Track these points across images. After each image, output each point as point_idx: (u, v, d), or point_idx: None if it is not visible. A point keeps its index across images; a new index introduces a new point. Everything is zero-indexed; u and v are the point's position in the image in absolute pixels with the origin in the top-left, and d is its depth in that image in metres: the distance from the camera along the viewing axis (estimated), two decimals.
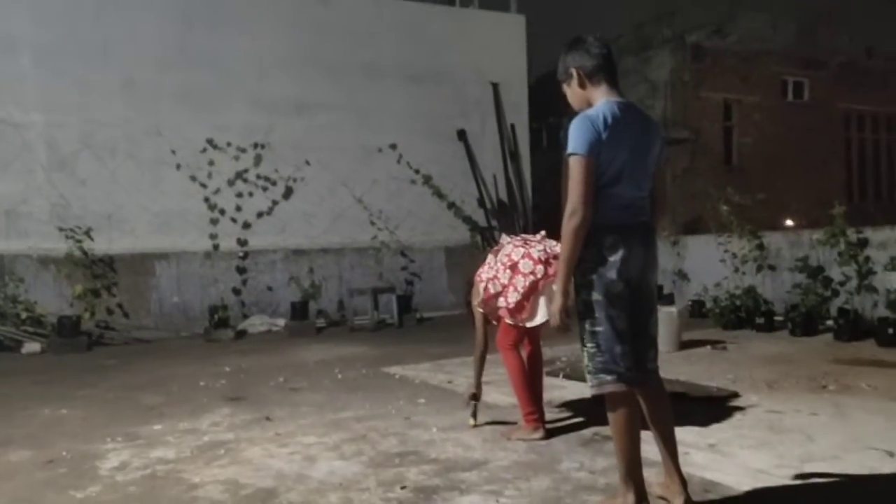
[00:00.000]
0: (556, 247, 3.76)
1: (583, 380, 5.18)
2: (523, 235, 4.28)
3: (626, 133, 2.64)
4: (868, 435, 3.73)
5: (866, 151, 17.80)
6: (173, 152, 9.95)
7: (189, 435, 4.26)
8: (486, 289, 3.97)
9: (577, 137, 2.58)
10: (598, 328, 2.65)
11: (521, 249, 3.94)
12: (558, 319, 2.67)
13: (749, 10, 17.11)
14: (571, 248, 2.58)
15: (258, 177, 10.53)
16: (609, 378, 2.64)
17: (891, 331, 6.66)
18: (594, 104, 2.71)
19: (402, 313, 9.93)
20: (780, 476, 3.15)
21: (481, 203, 12.12)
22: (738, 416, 4.23)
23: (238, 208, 10.38)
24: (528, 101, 12.83)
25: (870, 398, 4.56)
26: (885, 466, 3.24)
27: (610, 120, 2.60)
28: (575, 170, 2.57)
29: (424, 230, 11.51)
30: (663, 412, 2.79)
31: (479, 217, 12.08)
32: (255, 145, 10.50)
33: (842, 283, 7.77)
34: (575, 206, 2.55)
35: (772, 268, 9.12)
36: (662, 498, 2.89)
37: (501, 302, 3.88)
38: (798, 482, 3.08)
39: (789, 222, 10.17)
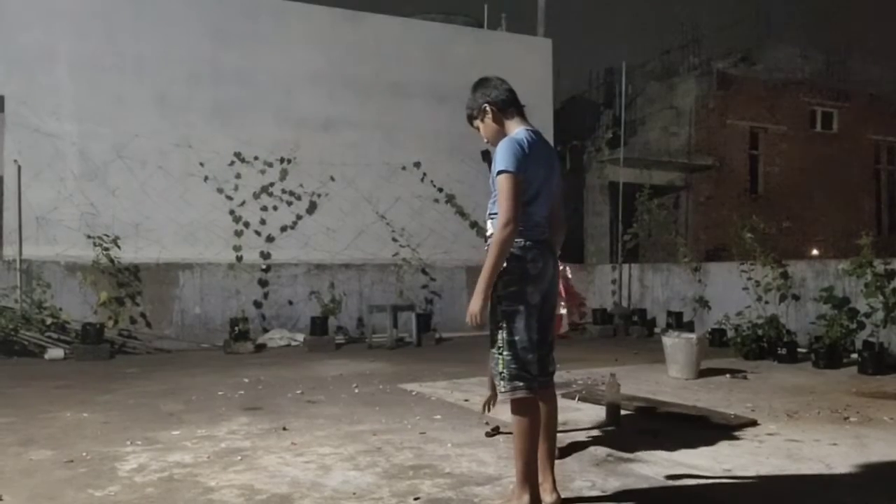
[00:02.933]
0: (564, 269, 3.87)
1: (599, 402, 5.19)
2: None
3: (542, 157, 2.96)
4: (889, 466, 3.67)
5: (895, 183, 17.58)
6: (202, 165, 10.14)
7: (206, 441, 4.31)
8: None
9: (506, 157, 2.84)
10: (516, 337, 2.88)
11: None
12: (477, 318, 2.82)
13: (777, 39, 17.10)
14: (499, 255, 2.80)
15: (283, 191, 10.67)
16: (521, 384, 2.88)
17: None
18: (511, 133, 3.01)
19: (420, 332, 9.95)
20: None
21: None
22: (755, 443, 4.18)
23: (262, 221, 10.52)
24: (552, 123, 12.88)
25: (892, 430, 4.48)
26: None
27: (530, 144, 2.91)
28: (506, 186, 2.81)
29: (446, 249, 11.56)
30: (554, 413, 3.13)
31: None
32: (282, 160, 10.66)
33: (868, 315, 7.65)
34: (508, 219, 2.78)
35: (796, 297, 9.02)
36: None
37: None
38: None
39: (815, 252, 10.05)
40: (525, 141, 2.91)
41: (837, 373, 7.15)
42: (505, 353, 2.89)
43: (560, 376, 6.80)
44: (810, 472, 3.58)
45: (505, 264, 2.84)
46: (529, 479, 2.88)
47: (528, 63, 12.60)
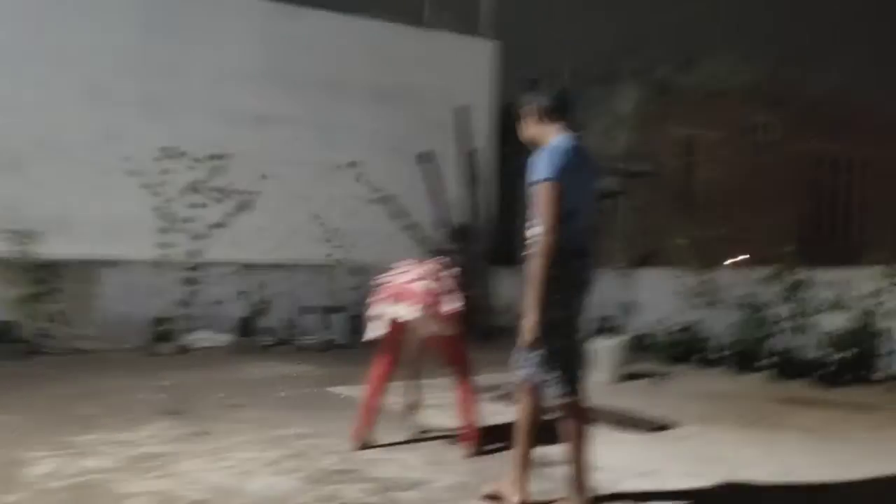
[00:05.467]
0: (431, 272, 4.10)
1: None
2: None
3: (583, 167, 2.98)
4: (794, 469, 3.86)
5: (825, 193, 18.29)
6: (127, 159, 9.77)
7: (123, 446, 4.17)
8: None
9: (547, 165, 2.86)
10: (561, 344, 2.91)
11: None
12: (531, 336, 2.84)
13: (717, 47, 17.65)
14: (546, 265, 2.81)
15: (213, 188, 10.39)
16: (567, 389, 2.95)
17: (823, 371, 6.88)
18: (547, 139, 3.00)
19: (352, 333, 9.86)
20: None
21: (441, 226, 12.18)
22: (669, 447, 4.33)
23: (191, 219, 10.21)
24: (495, 126, 12.99)
25: (799, 436, 4.71)
26: (811, 500, 3.35)
27: (572, 153, 2.93)
28: (545, 194, 2.84)
29: (381, 250, 11.37)
30: (584, 425, 3.10)
31: (438, 239, 12.12)
32: (213, 156, 10.36)
33: (782, 322, 7.99)
34: (550, 226, 2.81)
35: (719, 303, 9.32)
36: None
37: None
38: None
39: (741, 259, 10.44)
40: (567, 149, 2.93)
41: (752, 377, 7.45)
42: (549, 362, 2.91)
43: (490, 379, 6.90)
44: (720, 475, 3.72)
45: (552, 272, 2.82)
46: (524, 475, 3.08)
47: (471, 65, 12.66)
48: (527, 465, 3.11)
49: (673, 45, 16.63)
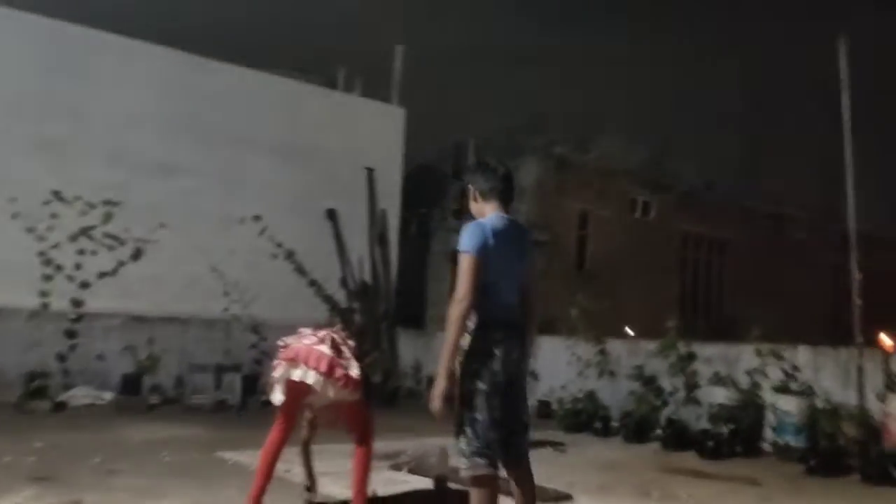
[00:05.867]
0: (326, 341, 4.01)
1: (428, 475, 5.15)
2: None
3: (508, 244, 3.11)
4: None
5: (700, 271, 19.57)
6: (12, 201, 9.16)
7: None
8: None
9: (468, 238, 3.04)
10: (478, 415, 2.96)
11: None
12: (438, 403, 2.91)
13: (608, 132, 18.76)
14: (456, 331, 2.92)
15: (106, 235, 9.88)
16: (482, 462, 2.95)
17: (711, 443, 7.14)
18: (484, 216, 3.21)
19: (245, 394, 9.42)
20: None
21: (344, 284, 12.02)
22: None
23: (78, 266, 9.63)
24: (400, 189, 13.11)
25: None
26: None
27: (495, 230, 3.08)
28: (464, 265, 3.00)
29: (281, 307, 11.10)
30: (530, 493, 3.09)
31: (341, 298, 11.95)
32: (107, 202, 9.90)
33: (671, 394, 8.30)
34: (462, 295, 2.93)
35: (612, 374, 9.59)
36: None
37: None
38: None
39: (629, 331, 10.86)
40: (489, 226, 3.08)
41: (644, 447, 7.65)
42: (467, 430, 2.96)
43: (390, 445, 6.74)
44: None
45: (470, 342, 2.96)
46: None
47: (380, 129, 12.83)
48: None
49: (570, 125, 17.57)
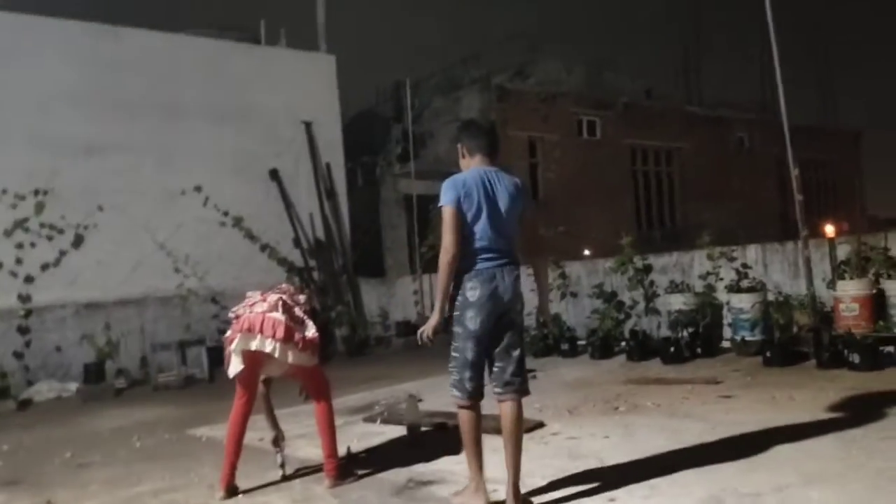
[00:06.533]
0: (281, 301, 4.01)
1: (400, 423, 5.21)
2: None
3: (489, 193, 3.33)
4: (649, 450, 4.07)
5: (651, 183, 19.82)
6: None
7: None
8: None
9: (444, 193, 3.32)
10: (456, 354, 3.38)
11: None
12: (428, 334, 3.31)
13: (546, 54, 18.56)
14: (445, 277, 3.27)
15: (42, 225, 9.53)
16: (457, 394, 3.37)
17: (672, 349, 7.37)
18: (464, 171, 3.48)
19: (212, 367, 9.34)
20: None
21: (297, 244, 11.88)
22: (541, 446, 4.43)
23: (18, 261, 9.31)
24: (341, 139, 12.84)
25: (654, 416, 4.99)
26: (664, 483, 3.53)
27: (467, 181, 3.33)
28: (444, 217, 3.30)
29: (237, 275, 10.96)
30: (509, 424, 3.36)
31: (296, 258, 11.82)
32: (37, 192, 9.51)
33: (632, 307, 8.50)
34: (447, 245, 3.25)
35: (574, 295, 9.77)
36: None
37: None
38: None
39: (587, 252, 10.99)
40: (461, 179, 3.35)
41: (611, 362, 7.86)
42: (450, 365, 3.40)
43: (363, 397, 6.80)
44: (586, 468, 3.85)
45: (454, 289, 3.32)
46: (475, 478, 3.37)
47: (311, 79, 12.45)
48: (479, 467, 3.40)
49: (507, 53, 17.32)
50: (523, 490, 3.39)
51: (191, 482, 4.31)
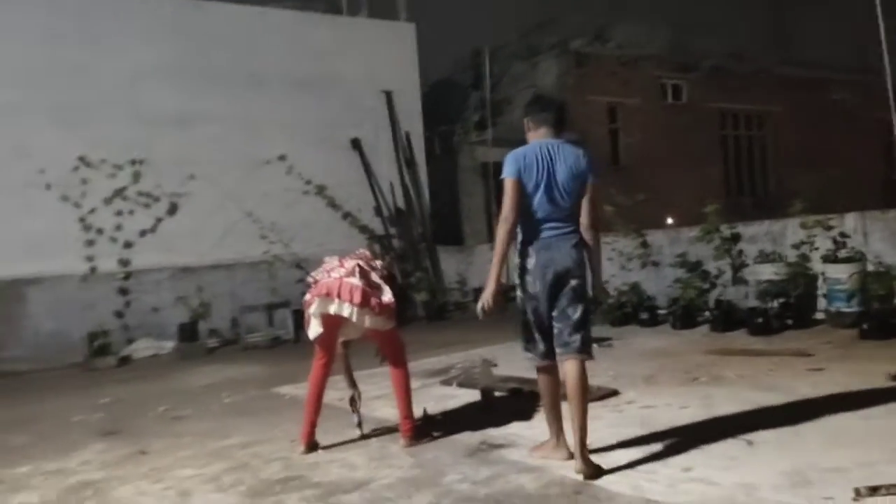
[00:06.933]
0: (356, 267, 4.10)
1: (475, 387, 5.27)
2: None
3: (550, 164, 3.41)
4: (730, 423, 3.95)
5: (740, 148, 18.96)
6: (42, 172, 9.34)
7: (56, 476, 4.00)
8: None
9: (506, 165, 3.46)
10: (521, 317, 3.55)
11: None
12: (487, 302, 3.37)
13: (626, 17, 17.91)
14: (501, 246, 3.39)
15: (139, 193, 10.06)
16: (529, 354, 3.57)
17: (760, 320, 7.08)
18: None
19: (298, 328, 9.70)
20: (646, 472, 3.28)
21: (378, 212, 12.07)
22: (615, 414, 4.39)
23: (118, 227, 9.88)
24: (421, 108, 12.88)
25: (735, 388, 4.83)
26: (743, 455, 3.43)
27: (529, 154, 3.45)
28: (505, 188, 3.43)
29: (320, 241, 11.22)
30: (571, 383, 3.37)
31: (377, 226, 12.03)
32: (134, 161, 10.03)
33: (717, 276, 8.21)
34: (505, 215, 3.41)
35: (655, 264, 9.53)
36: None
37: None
38: (663, 479, 3.21)
39: (670, 220, 10.68)
40: (524, 152, 3.47)
41: (692, 332, 7.64)
42: (519, 329, 3.59)
43: (440, 360, 6.90)
44: (663, 439, 3.78)
45: (516, 256, 3.50)
46: (554, 429, 3.56)
47: (391, 49, 12.50)
48: (558, 427, 3.55)
49: (585, 16, 16.79)
50: (593, 456, 3.37)
51: (275, 437, 4.52)
